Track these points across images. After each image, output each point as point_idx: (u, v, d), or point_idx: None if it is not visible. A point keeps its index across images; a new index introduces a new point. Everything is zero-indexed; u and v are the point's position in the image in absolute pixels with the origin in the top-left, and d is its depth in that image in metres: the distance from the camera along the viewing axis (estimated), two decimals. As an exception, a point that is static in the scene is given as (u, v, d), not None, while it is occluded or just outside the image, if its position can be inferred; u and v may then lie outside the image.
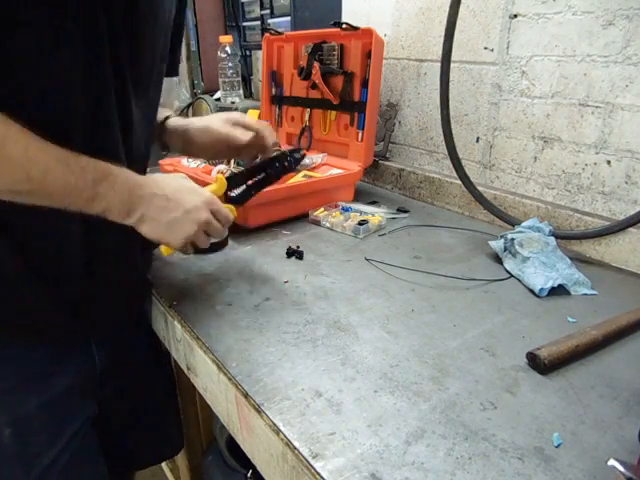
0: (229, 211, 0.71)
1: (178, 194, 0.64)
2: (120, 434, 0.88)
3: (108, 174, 0.58)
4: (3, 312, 0.64)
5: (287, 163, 0.79)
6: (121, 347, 0.81)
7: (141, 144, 0.71)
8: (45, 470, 0.69)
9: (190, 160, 1.23)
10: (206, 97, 1.77)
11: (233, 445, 1.13)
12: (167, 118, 0.83)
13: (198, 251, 0.77)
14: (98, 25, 0.55)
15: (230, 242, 0.97)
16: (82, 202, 0.57)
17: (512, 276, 0.84)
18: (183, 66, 2.03)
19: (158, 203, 0.62)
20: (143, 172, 0.74)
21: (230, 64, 1.67)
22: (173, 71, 0.85)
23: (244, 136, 0.79)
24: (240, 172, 0.78)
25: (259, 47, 1.51)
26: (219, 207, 0.69)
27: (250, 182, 0.78)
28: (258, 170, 0.79)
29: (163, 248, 0.71)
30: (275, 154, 0.79)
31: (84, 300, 0.70)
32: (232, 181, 0.76)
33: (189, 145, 0.82)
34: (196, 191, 0.67)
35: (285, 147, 1.38)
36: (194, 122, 0.82)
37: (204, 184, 1.04)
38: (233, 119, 0.81)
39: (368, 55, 1.16)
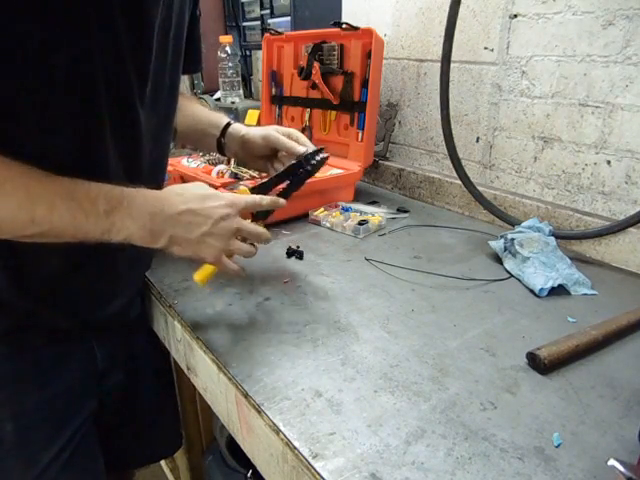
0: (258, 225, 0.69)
1: (203, 204, 0.61)
2: (118, 432, 0.88)
3: (121, 200, 0.55)
4: (4, 314, 0.65)
5: (310, 167, 0.76)
6: (121, 347, 0.81)
7: (153, 157, 0.69)
8: (46, 466, 0.69)
9: (190, 160, 1.23)
10: (206, 97, 1.77)
11: (233, 445, 1.13)
12: (229, 124, 0.86)
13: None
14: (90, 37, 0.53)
15: (230, 242, 0.96)
16: (98, 235, 0.55)
17: (512, 276, 0.84)
18: (183, 66, 2.03)
19: (185, 219, 0.60)
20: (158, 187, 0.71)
21: (230, 64, 1.67)
22: (195, 66, 0.84)
23: (301, 148, 0.79)
24: (263, 183, 0.74)
25: (259, 47, 1.51)
26: (247, 205, 0.66)
27: (274, 193, 0.75)
28: (281, 178, 0.76)
29: (198, 277, 0.67)
30: (297, 160, 0.77)
31: (84, 301, 0.70)
32: (256, 193, 0.72)
33: (245, 149, 0.85)
34: (221, 197, 0.64)
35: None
36: (252, 129, 0.85)
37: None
38: (287, 132, 0.83)
39: (368, 55, 1.16)
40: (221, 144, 0.87)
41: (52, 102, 0.53)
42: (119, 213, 0.54)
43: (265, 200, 0.70)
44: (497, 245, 0.89)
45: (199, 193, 0.63)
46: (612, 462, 0.41)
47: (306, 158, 0.76)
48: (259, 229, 0.68)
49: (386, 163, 1.35)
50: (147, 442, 0.95)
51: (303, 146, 0.80)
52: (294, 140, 0.82)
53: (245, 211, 0.67)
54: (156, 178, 0.74)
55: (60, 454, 0.70)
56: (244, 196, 0.68)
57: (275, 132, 0.82)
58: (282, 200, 0.72)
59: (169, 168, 1.17)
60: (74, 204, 0.52)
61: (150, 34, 0.59)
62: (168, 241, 0.60)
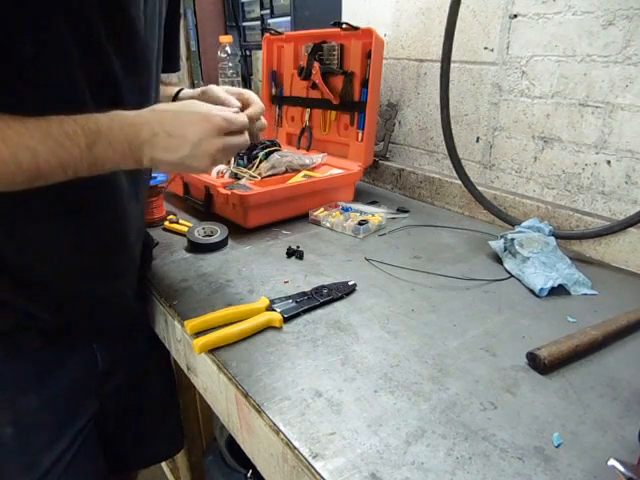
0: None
1: (180, 128, 0.57)
2: (121, 434, 0.88)
3: (99, 133, 0.52)
4: (4, 316, 0.65)
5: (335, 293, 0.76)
6: (122, 347, 0.81)
7: None
8: (48, 470, 0.69)
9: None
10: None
11: (233, 445, 1.13)
12: (180, 90, 0.82)
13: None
14: (64, 47, 0.53)
15: (230, 242, 0.97)
16: (86, 169, 0.53)
17: (512, 276, 0.84)
18: (183, 66, 2.04)
19: (161, 143, 0.56)
20: None
21: (230, 64, 1.67)
22: (173, 66, 0.84)
23: (233, 102, 0.72)
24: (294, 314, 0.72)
25: (259, 47, 1.51)
26: (232, 124, 0.60)
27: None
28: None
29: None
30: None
31: (85, 303, 0.70)
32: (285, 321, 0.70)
33: None
34: (203, 118, 0.58)
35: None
36: (197, 89, 0.80)
37: (204, 184, 1.04)
38: (230, 89, 0.77)
39: (368, 55, 1.16)
40: None
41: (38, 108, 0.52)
42: (100, 145, 0.53)
43: (241, 117, 0.64)
44: (497, 245, 0.89)
45: (182, 111, 0.59)
46: (612, 462, 0.41)
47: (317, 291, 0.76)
48: (242, 138, 0.63)
49: (386, 163, 1.35)
50: (150, 443, 0.95)
51: (253, 105, 0.73)
52: (244, 99, 0.74)
53: (228, 130, 0.61)
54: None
55: (62, 457, 0.70)
56: (234, 118, 0.62)
57: (214, 87, 0.75)
58: (263, 121, 0.70)
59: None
60: (55, 145, 0.50)
61: (134, 33, 0.59)
62: (151, 163, 0.58)
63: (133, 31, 0.59)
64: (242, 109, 0.70)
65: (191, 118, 0.58)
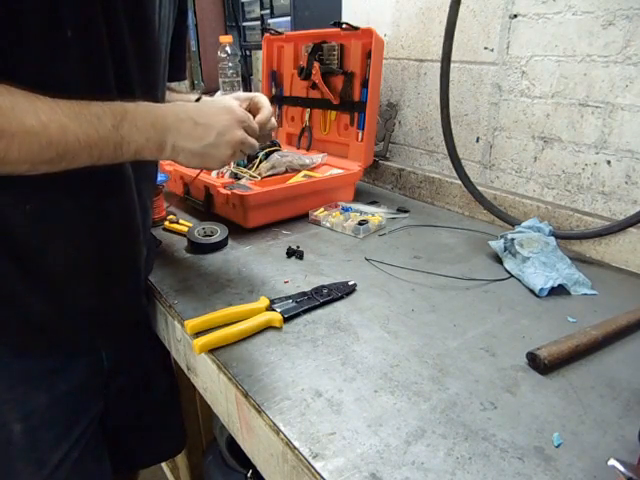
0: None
1: (206, 116, 0.61)
2: (125, 433, 0.88)
3: (125, 114, 0.55)
4: (14, 317, 0.64)
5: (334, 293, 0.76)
6: (126, 347, 0.82)
7: None
8: (56, 467, 0.69)
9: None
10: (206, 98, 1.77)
11: (233, 445, 1.13)
12: (198, 99, 0.83)
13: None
14: (99, 34, 0.55)
15: (230, 242, 0.97)
16: (111, 152, 0.55)
17: (512, 276, 0.84)
18: (183, 66, 2.04)
19: (186, 130, 0.59)
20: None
21: (230, 64, 1.67)
22: (180, 74, 0.85)
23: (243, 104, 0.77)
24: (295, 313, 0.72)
25: (259, 47, 1.51)
26: (250, 122, 0.67)
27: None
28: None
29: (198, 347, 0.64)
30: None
31: (92, 305, 0.70)
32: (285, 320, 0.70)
33: None
34: (227, 109, 0.63)
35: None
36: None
37: (204, 184, 1.04)
38: (241, 95, 0.80)
39: (368, 55, 1.16)
40: None
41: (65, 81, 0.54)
42: (126, 125, 0.55)
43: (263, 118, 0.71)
44: (497, 245, 0.89)
45: (202, 104, 0.63)
46: (612, 462, 0.41)
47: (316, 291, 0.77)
48: (255, 141, 0.69)
49: (386, 163, 1.35)
50: (153, 443, 0.95)
51: (262, 110, 0.77)
52: (254, 104, 0.78)
53: (247, 125, 0.66)
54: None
55: (69, 454, 0.70)
56: (251, 119, 0.68)
57: (226, 96, 0.79)
58: (273, 122, 0.76)
59: (169, 168, 1.17)
60: (85, 123, 0.52)
61: (148, 31, 0.61)
62: (172, 151, 0.60)
63: (148, 29, 0.61)
64: (253, 115, 0.73)
65: (216, 109, 0.62)
